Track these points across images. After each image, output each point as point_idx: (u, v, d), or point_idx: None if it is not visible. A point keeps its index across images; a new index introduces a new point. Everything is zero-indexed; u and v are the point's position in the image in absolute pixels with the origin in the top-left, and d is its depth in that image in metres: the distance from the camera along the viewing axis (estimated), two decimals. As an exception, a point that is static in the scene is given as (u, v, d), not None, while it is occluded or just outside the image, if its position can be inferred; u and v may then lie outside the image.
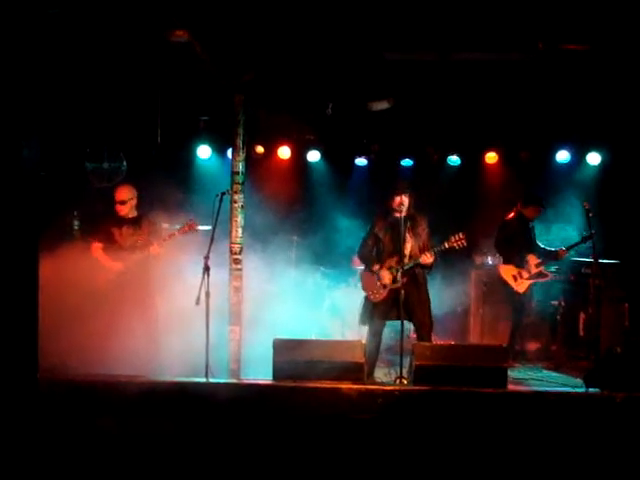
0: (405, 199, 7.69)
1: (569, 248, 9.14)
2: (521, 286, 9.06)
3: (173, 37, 7.12)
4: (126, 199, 8.03)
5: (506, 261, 9.28)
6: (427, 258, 7.65)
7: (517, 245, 9.19)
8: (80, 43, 7.75)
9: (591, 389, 6.65)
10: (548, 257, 9.21)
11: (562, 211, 9.71)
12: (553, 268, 9.57)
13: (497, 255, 9.90)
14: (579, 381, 7.60)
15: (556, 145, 10.75)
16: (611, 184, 10.40)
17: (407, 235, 7.77)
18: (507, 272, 9.16)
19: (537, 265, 9.09)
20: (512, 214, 9.35)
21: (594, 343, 8.64)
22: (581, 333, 9.63)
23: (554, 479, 5.74)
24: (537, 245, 9.32)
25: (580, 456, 5.81)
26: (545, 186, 10.32)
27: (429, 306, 7.87)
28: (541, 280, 9.14)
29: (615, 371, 6.69)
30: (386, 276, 7.79)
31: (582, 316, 9.61)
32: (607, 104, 9.34)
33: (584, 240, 8.80)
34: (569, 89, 8.96)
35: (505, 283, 9.17)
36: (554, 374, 8.68)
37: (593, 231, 8.24)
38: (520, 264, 9.11)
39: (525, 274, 9.06)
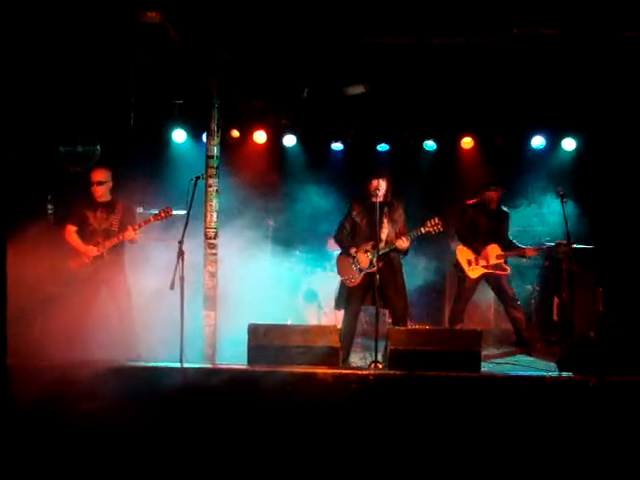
0: (382, 183, 7.71)
1: (538, 250, 9.03)
2: (473, 272, 8.89)
3: (145, 18, 7.04)
4: (103, 180, 7.97)
5: (465, 244, 9.08)
6: (403, 243, 7.68)
7: (476, 232, 8.99)
8: (52, 26, 7.66)
9: (564, 373, 6.70)
10: (514, 252, 9.00)
11: (536, 196, 9.77)
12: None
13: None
14: (553, 365, 7.66)
15: (531, 130, 10.77)
16: (586, 169, 10.44)
17: (384, 220, 7.81)
18: (463, 254, 8.99)
19: (498, 257, 8.87)
20: (473, 200, 9.18)
21: (568, 327, 8.71)
22: (555, 317, 9.66)
23: (528, 462, 5.79)
24: (505, 237, 9.11)
25: (553, 439, 5.86)
26: (520, 171, 10.38)
27: (404, 291, 7.91)
28: (497, 273, 8.88)
29: (588, 355, 6.74)
30: (363, 259, 7.81)
31: (556, 301, 9.63)
32: (582, 89, 9.36)
33: (558, 246, 8.79)
34: (544, 74, 8.96)
35: (458, 265, 9.02)
36: (527, 358, 8.72)
37: (571, 242, 8.21)
38: (478, 252, 8.93)
39: (482, 262, 8.90)
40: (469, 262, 8.91)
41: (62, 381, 5.88)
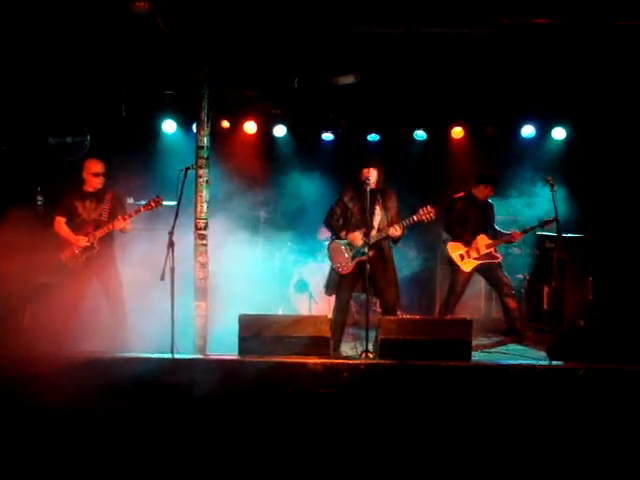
0: (373, 172, 7.73)
1: (524, 232, 8.98)
2: (467, 265, 8.85)
3: (135, 8, 7.01)
4: (100, 172, 7.94)
5: (455, 239, 9.05)
6: (395, 231, 7.68)
7: (466, 225, 8.96)
8: (42, 16, 7.62)
9: (554, 362, 6.72)
10: (501, 240, 8.99)
11: (527, 186, 9.79)
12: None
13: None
14: (543, 354, 7.68)
15: (522, 120, 10.81)
16: (576, 159, 10.48)
17: (377, 208, 7.81)
18: (454, 250, 8.94)
19: (487, 246, 8.85)
20: (460, 194, 9.13)
21: (558, 316, 8.75)
22: (545, 306, 9.71)
23: (518, 450, 5.82)
24: (492, 227, 9.13)
25: (543, 428, 5.89)
26: (510, 161, 10.40)
27: (395, 281, 7.92)
28: (490, 262, 8.88)
29: (578, 344, 6.77)
30: (356, 238, 7.80)
31: (546, 290, 9.69)
32: (572, 79, 9.37)
33: (542, 225, 8.81)
34: (535, 64, 8.96)
35: (451, 261, 8.97)
36: (518, 347, 8.74)
37: (554, 216, 8.23)
38: (469, 243, 8.90)
39: (473, 254, 8.86)
40: (461, 256, 8.88)
41: (53, 371, 5.87)
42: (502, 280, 8.94)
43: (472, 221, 8.98)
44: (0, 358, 6.02)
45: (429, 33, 7.99)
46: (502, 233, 9.08)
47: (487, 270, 8.96)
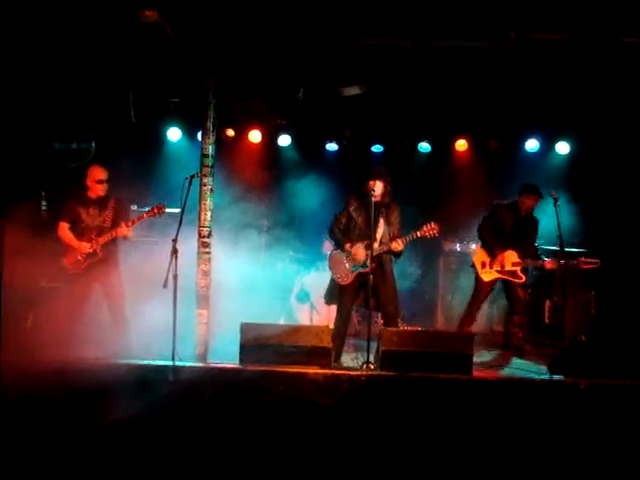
0: (378, 184, 7.70)
1: (558, 263, 8.61)
2: (486, 275, 8.79)
3: (143, 17, 7.04)
4: (104, 179, 7.95)
5: (483, 245, 8.99)
6: (398, 245, 7.66)
7: (500, 234, 8.87)
8: (51, 23, 7.66)
9: (555, 376, 6.72)
10: (532, 262, 8.86)
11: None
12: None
13: (465, 242, 9.91)
14: (543, 368, 7.67)
15: (526, 134, 10.81)
16: (580, 173, 10.47)
17: (380, 220, 7.80)
18: (478, 256, 8.91)
19: (514, 264, 8.73)
20: (505, 201, 9.07)
21: (559, 330, 8.72)
22: (547, 320, 9.69)
23: (518, 464, 5.81)
24: (530, 244, 8.98)
25: (543, 442, 5.88)
26: (514, 174, 10.37)
27: (396, 293, 7.90)
28: (512, 280, 8.77)
29: (580, 359, 6.77)
30: (358, 254, 7.79)
31: (548, 303, 9.66)
32: (577, 93, 9.37)
33: (579, 263, 8.71)
34: (539, 78, 8.97)
35: (473, 266, 8.94)
36: (519, 361, 8.73)
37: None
38: (494, 254, 8.79)
39: (496, 266, 8.76)
40: (483, 264, 8.80)
41: (55, 377, 5.88)
42: (518, 296, 8.85)
43: (507, 233, 8.88)
44: (4, 363, 6.02)
45: (435, 46, 8.02)
46: (537, 256, 8.91)
47: (508, 284, 8.90)
